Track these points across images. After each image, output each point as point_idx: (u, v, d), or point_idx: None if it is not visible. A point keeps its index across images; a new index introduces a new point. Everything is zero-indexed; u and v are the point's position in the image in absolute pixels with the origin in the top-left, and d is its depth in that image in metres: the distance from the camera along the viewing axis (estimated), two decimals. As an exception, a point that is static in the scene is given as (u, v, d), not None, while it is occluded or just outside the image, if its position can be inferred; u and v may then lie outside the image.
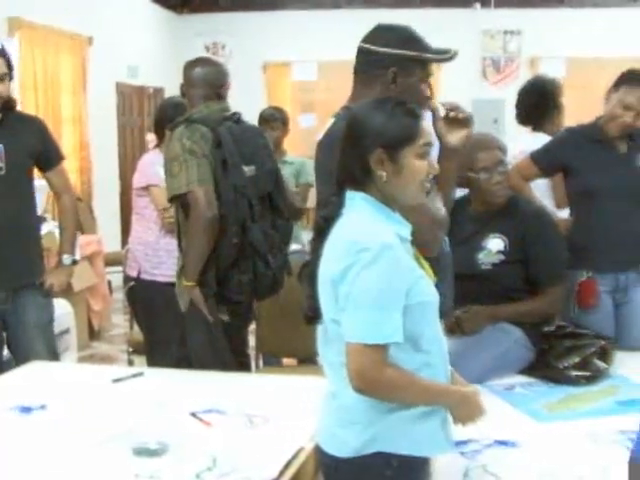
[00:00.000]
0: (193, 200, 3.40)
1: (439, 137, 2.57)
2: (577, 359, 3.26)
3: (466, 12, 10.88)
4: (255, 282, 3.53)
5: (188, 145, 3.44)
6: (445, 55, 2.61)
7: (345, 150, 2.11)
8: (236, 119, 3.66)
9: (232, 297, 3.51)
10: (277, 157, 5.27)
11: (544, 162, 3.86)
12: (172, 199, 3.55)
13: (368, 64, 2.62)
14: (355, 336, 1.94)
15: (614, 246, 3.68)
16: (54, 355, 3.91)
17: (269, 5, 11.35)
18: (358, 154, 2.06)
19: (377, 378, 1.96)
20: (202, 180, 3.41)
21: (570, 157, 3.79)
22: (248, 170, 3.53)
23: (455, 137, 2.59)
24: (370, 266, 1.92)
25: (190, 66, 3.75)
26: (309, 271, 2.14)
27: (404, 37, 2.61)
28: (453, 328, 3.19)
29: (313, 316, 2.13)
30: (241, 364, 3.73)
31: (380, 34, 2.63)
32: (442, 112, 2.59)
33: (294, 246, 4.52)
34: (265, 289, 3.61)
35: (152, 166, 4.37)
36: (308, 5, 11.31)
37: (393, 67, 2.55)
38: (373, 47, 2.60)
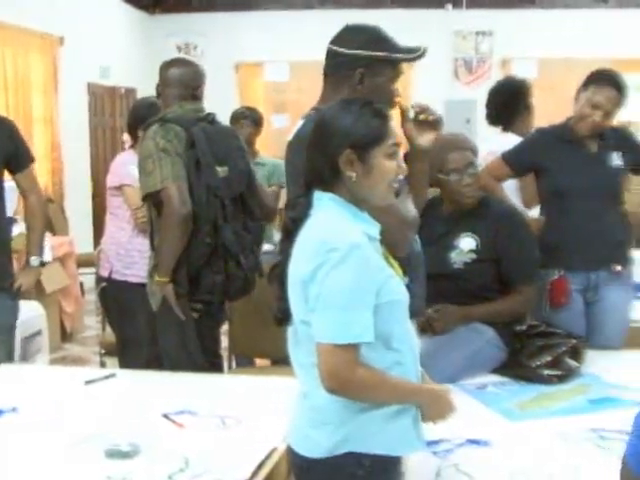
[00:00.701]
0: (167, 197, 3.39)
1: (408, 139, 2.58)
2: (549, 358, 3.29)
3: (438, 13, 10.91)
4: (227, 283, 3.52)
5: (162, 144, 3.43)
6: (413, 54, 2.61)
7: (313, 151, 2.10)
8: (210, 120, 3.66)
9: (204, 297, 3.50)
10: (249, 157, 5.27)
11: (515, 162, 3.88)
12: (146, 197, 3.53)
13: (336, 66, 2.62)
14: (326, 336, 1.94)
15: (585, 245, 3.70)
16: (12, 360, 3.87)
17: (241, 5, 11.32)
18: (327, 155, 2.05)
19: (349, 378, 1.95)
20: (176, 177, 3.40)
21: (541, 157, 3.81)
22: (221, 171, 3.52)
23: (425, 139, 2.60)
24: (339, 266, 1.92)
25: (166, 66, 3.75)
26: (278, 272, 2.14)
27: (371, 38, 2.61)
28: (425, 327, 3.20)
29: (283, 317, 2.12)
30: (213, 365, 3.72)
31: (347, 35, 2.63)
32: (412, 114, 2.59)
33: (267, 247, 4.52)
34: (237, 290, 3.61)
35: (125, 166, 4.35)
36: (280, 5, 11.29)
37: (360, 68, 2.56)
38: (340, 49, 2.60)
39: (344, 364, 1.94)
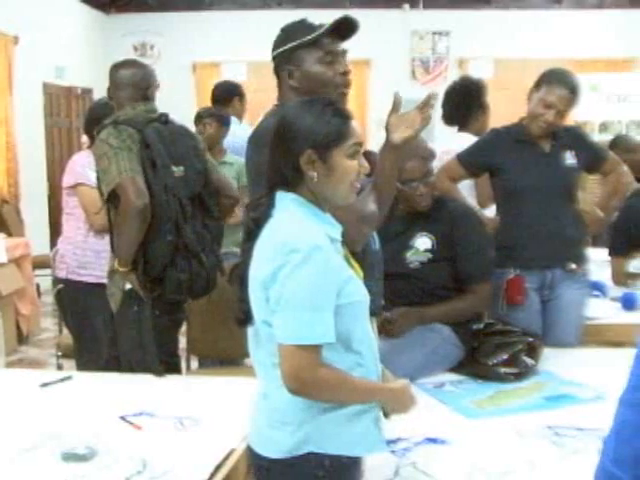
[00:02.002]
0: (122, 190, 3.37)
1: (386, 128, 2.56)
2: (505, 356, 3.32)
3: (395, 13, 10.94)
4: (191, 281, 3.52)
5: (116, 144, 3.42)
6: (317, 32, 2.60)
7: (275, 152, 2.10)
8: (163, 120, 3.64)
9: (169, 296, 3.49)
10: (217, 157, 5.23)
11: (470, 163, 3.91)
12: (108, 197, 3.49)
13: (275, 70, 2.69)
14: (288, 337, 1.94)
15: (540, 244, 3.74)
16: None
17: (198, 5, 11.28)
18: (288, 155, 2.05)
19: (311, 379, 1.96)
20: (132, 170, 3.39)
21: (496, 157, 3.84)
22: (177, 171, 3.51)
23: (399, 135, 2.54)
24: (300, 267, 1.92)
25: (116, 68, 3.74)
26: (239, 273, 2.14)
27: (286, 32, 2.66)
28: (381, 330, 3.21)
29: (244, 318, 2.12)
30: (171, 365, 3.70)
31: (275, 39, 2.69)
32: (399, 110, 2.57)
33: (235, 248, 4.51)
34: (200, 289, 3.60)
35: (81, 166, 4.32)
36: (237, 5, 11.27)
37: (286, 65, 2.61)
38: (272, 53, 2.67)
39: (306, 365, 1.94)
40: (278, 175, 2.09)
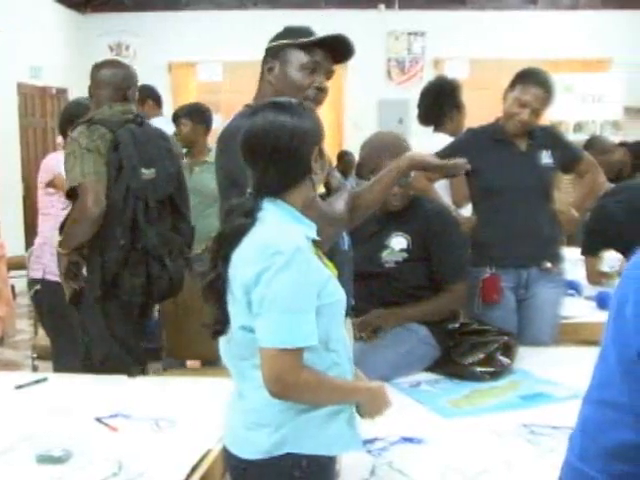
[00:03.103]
0: (82, 192, 3.40)
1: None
2: (481, 355, 3.33)
3: (371, 13, 10.97)
4: (150, 285, 3.52)
5: (85, 143, 3.43)
6: (311, 38, 2.60)
7: (283, 159, 2.05)
8: (139, 121, 3.64)
9: (124, 298, 3.49)
10: (199, 157, 5.21)
11: None
12: (69, 194, 3.53)
13: (262, 62, 2.67)
14: (271, 341, 1.93)
15: (516, 243, 3.75)
16: None
17: (174, 5, 11.26)
18: (300, 157, 2.05)
19: (294, 382, 1.95)
20: (97, 173, 3.41)
21: (472, 157, 3.82)
22: (148, 173, 3.51)
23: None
24: (284, 270, 1.91)
25: (97, 68, 3.74)
26: (216, 288, 2.09)
27: (285, 31, 2.66)
28: (358, 333, 3.21)
29: (220, 330, 2.09)
30: (136, 363, 3.69)
31: (276, 34, 2.68)
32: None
33: None
34: (161, 292, 3.60)
35: (56, 160, 4.33)
36: (213, 5, 11.25)
37: (271, 58, 2.62)
38: (267, 46, 2.67)
39: (289, 368, 1.94)
40: (282, 181, 2.06)
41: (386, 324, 3.34)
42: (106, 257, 3.44)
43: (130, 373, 3.37)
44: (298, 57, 2.59)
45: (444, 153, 3.95)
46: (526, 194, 3.76)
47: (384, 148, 3.37)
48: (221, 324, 2.08)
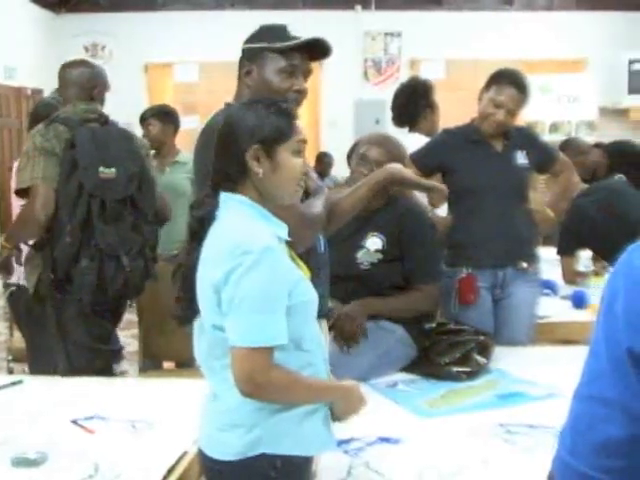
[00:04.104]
0: (32, 196, 3.45)
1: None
2: (457, 355, 3.34)
3: (348, 14, 10.98)
4: (103, 284, 3.51)
5: (39, 142, 3.47)
6: (290, 42, 2.59)
7: (220, 150, 2.11)
8: (103, 121, 3.66)
9: (76, 297, 3.50)
10: (168, 157, 5.18)
11: (423, 163, 3.92)
12: (17, 192, 3.58)
13: (238, 63, 2.67)
14: (241, 340, 1.93)
15: (492, 243, 3.76)
16: None
17: (150, 5, 11.22)
18: (234, 152, 2.06)
19: (265, 381, 1.95)
20: (45, 178, 3.44)
21: (448, 157, 3.86)
22: (108, 172, 3.52)
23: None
24: (253, 269, 1.91)
25: (64, 67, 3.78)
26: (183, 272, 2.12)
27: (261, 31, 2.66)
28: (337, 338, 3.21)
29: (184, 316, 2.11)
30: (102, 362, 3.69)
31: (251, 34, 2.68)
32: None
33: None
34: (116, 292, 3.59)
35: None
36: (190, 6, 11.22)
37: (248, 62, 2.61)
38: (242, 47, 2.67)
39: (260, 367, 1.94)
40: (223, 174, 2.09)
41: (357, 319, 3.30)
42: (56, 253, 3.47)
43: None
44: (276, 61, 2.59)
45: (420, 153, 3.97)
46: (502, 194, 3.78)
47: (374, 140, 3.44)
48: (187, 311, 2.09)
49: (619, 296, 1.05)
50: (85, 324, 3.59)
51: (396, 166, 2.82)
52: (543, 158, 3.96)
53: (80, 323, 3.58)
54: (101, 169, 3.51)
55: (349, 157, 3.57)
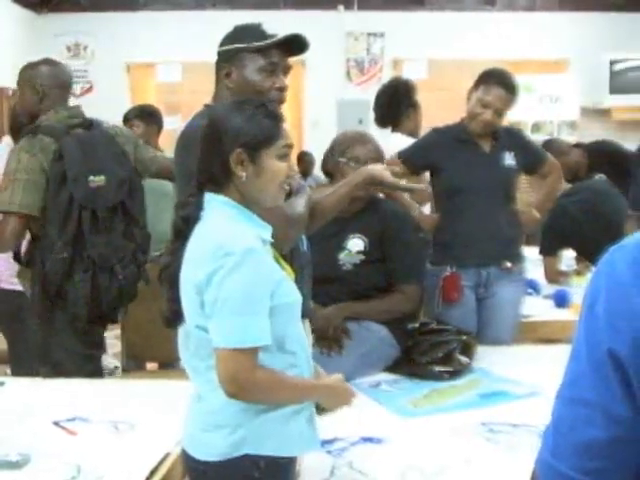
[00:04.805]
0: (5, 220, 3.38)
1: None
2: (440, 354, 3.34)
3: (330, 14, 10.96)
4: (97, 296, 3.46)
5: (25, 161, 3.36)
6: (267, 40, 2.59)
7: (205, 151, 2.10)
8: (87, 125, 3.56)
9: (70, 309, 3.44)
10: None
11: (411, 161, 3.93)
12: None
13: (215, 66, 2.67)
14: (225, 342, 1.93)
15: (477, 242, 3.78)
16: None
17: (132, 5, 11.17)
18: (218, 154, 2.05)
19: (250, 382, 1.96)
20: (22, 205, 3.34)
21: (436, 156, 3.87)
22: (97, 180, 3.44)
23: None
24: (235, 271, 1.91)
25: (29, 69, 3.66)
26: (169, 273, 2.12)
27: (237, 32, 2.65)
28: (318, 342, 3.22)
29: (173, 319, 2.11)
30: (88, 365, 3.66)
31: (225, 35, 2.68)
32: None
33: None
34: (110, 303, 3.53)
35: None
36: (172, 5, 11.18)
37: (226, 63, 2.60)
38: (218, 49, 2.66)
39: (243, 368, 1.94)
40: (207, 175, 2.09)
41: (334, 323, 3.31)
42: (47, 270, 3.39)
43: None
44: (255, 61, 2.58)
45: (409, 151, 3.99)
46: (488, 195, 3.79)
47: (358, 137, 3.49)
48: (172, 313, 2.08)
49: (600, 297, 1.05)
50: (77, 332, 3.53)
51: (376, 167, 2.83)
52: (531, 160, 3.98)
53: (71, 332, 3.51)
54: (90, 178, 3.42)
55: (327, 158, 3.56)
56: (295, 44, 2.64)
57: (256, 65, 2.58)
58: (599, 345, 1.04)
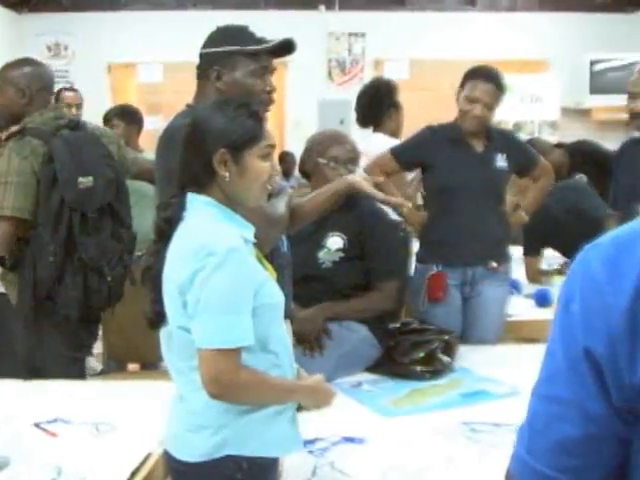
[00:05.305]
0: None
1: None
2: (422, 354, 3.35)
3: (312, 14, 10.96)
4: (88, 298, 3.44)
5: (16, 164, 3.33)
6: (265, 45, 2.61)
7: (187, 151, 2.10)
8: (73, 126, 3.53)
9: (60, 312, 3.41)
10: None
11: (404, 158, 3.94)
12: None
13: (200, 67, 2.66)
14: (208, 342, 1.93)
15: (465, 242, 3.79)
16: None
17: (113, 5, 11.13)
18: (201, 155, 2.05)
19: (233, 382, 1.96)
20: (15, 209, 3.32)
21: (429, 154, 3.88)
22: (86, 181, 3.41)
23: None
24: (218, 270, 1.91)
25: (8, 69, 3.64)
26: (152, 274, 2.12)
27: (226, 34, 2.65)
28: (305, 345, 3.22)
29: (156, 320, 2.10)
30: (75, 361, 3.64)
31: (210, 36, 2.67)
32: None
33: None
34: (100, 303, 3.52)
35: None
36: (153, 5, 11.15)
37: (216, 65, 2.59)
38: (202, 50, 2.65)
39: (226, 369, 1.94)
40: (189, 175, 2.09)
41: (314, 324, 3.32)
42: (38, 273, 3.36)
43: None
44: (247, 64, 2.59)
45: (402, 148, 4.01)
46: (479, 195, 3.80)
47: (336, 137, 3.50)
48: (156, 314, 2.08)
49: (575, 295, 1.06)
50: (63, 335, 3.50)
51: (355, 178, 2.83)
52: (524, 162, 4.00)
53: (58, 335, 3.49)
54: (79, 179, 3.39)
55: (305, 159, 3.56)
56: (284, 47, 2.65)
57: (248, 68, 2.59)
58: (574, 343, 1.04)
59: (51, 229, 3.35)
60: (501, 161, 3.86)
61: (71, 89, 6.33)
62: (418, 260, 3.90)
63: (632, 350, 0.99)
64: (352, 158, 3.44)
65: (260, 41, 2.61)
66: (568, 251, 4.64)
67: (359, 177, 2.85)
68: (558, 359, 1.07)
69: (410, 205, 3.91)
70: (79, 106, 5.77)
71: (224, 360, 1.93)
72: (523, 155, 4.01)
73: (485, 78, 3.77)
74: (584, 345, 1.03)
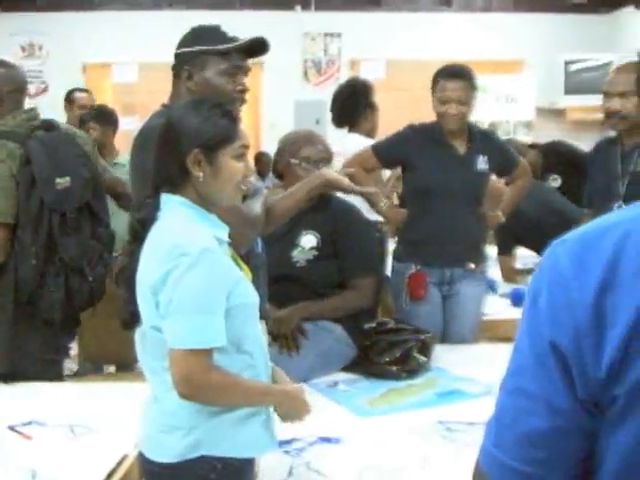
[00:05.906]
0: None
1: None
2: (398, 354, 3.36)
3: (287, 14, 10.96)
4: (69, 299, 3.40)
5: None
6: (231, 44, 2.60)
7: (161, 151, 2.10)
8: (47, 127, 3.50)
9: (45, 316, 3.38)
10: (108, 159, 5.13)
11: (385, 155, 3.95)
12: None
13: (174, 67, 2.66)
14: (179, 342, 1.93)
15: (442, 243, 3.80)
16: None
17: (88, 5, 11.08)
18: (175, 155, 2.05)
19: (204, 383, 1.95)
20: (2, 214, 3.30)
21: (409, 154, 3.88)
22: (63, 182, 3.38)
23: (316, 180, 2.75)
24: (190, 271, 1.91)
25: None
26: (127, 275, 2.11)
27: (198, 34, 2.65)
28: (281, 343, 3.22)
29: (131, 321, 2.10)
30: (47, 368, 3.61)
31: (183, 36, 2.68)
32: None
33: None
34: (82, 304, 3.49)
35: None
36: (128, 5, 11.11)
37: (186, 65, 2.59)
38: (176, 50, 2.65)
39: (198, 369, 1.93)
40: (164, 175, 2.09)
41: (290, 325, 3.33)
42: (20, 276, 3.33)
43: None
44: (217, 63, 2.59)
45: (383, 145, 4.02)
46: (458, 196, 3.81)
47: (306, 137, 3.49)
48: (130, 315, 2.07)
49: (543, 290, 1.07)
50: (43, 337, 3.47)
51: (330, 172, 2.83)
52: (504, 164, 4.02)
53: (37, 337, 3.45)
54: (57, 180, 3.36)
55: (277, 159, 3.56)
56: (257, 47, 2.64)
57: (219, 68, 2.58)
58: (541, 337, 1.05)
59: (32, 231, 3.32)
60: (482, 163, 3.87)
61: (83, 90, 6.55)
62: (396, 258, 3.92)
63: (596, 345, 1.01)
64: (324, 158, 3.44)
65: (232, 40, 2.61)
66: (541, 250, 4.66)
67: (334, 171, 2.85)
68: (525, 353, 1.08)
69: (387, 201, 3.93)
70: (93, 107, 5.81)
71: (195, 360, 1.93)
72: (504, 156, 4.03)
73: (452, 76, 3.78)
74: (550, 339, 1.04)
